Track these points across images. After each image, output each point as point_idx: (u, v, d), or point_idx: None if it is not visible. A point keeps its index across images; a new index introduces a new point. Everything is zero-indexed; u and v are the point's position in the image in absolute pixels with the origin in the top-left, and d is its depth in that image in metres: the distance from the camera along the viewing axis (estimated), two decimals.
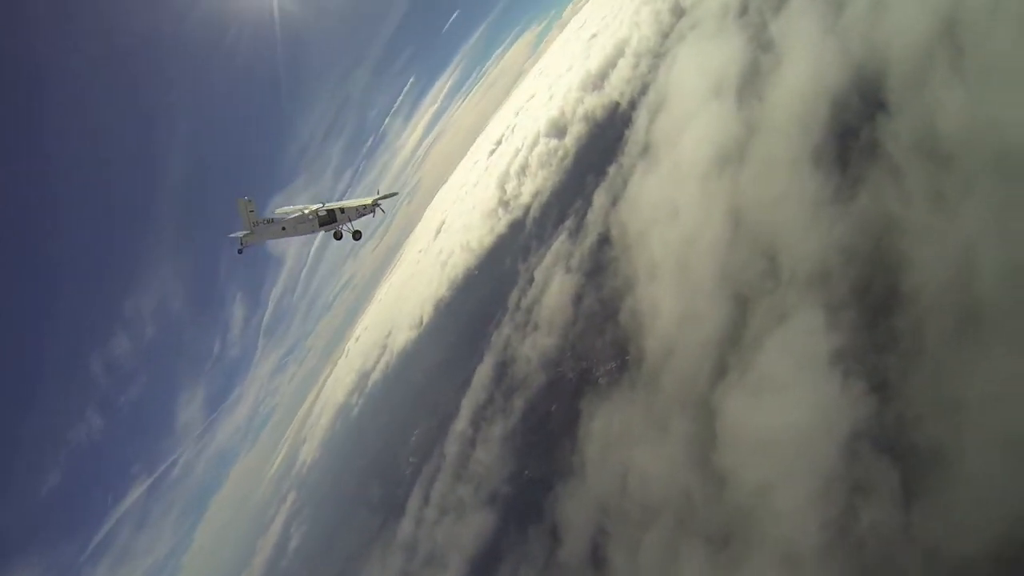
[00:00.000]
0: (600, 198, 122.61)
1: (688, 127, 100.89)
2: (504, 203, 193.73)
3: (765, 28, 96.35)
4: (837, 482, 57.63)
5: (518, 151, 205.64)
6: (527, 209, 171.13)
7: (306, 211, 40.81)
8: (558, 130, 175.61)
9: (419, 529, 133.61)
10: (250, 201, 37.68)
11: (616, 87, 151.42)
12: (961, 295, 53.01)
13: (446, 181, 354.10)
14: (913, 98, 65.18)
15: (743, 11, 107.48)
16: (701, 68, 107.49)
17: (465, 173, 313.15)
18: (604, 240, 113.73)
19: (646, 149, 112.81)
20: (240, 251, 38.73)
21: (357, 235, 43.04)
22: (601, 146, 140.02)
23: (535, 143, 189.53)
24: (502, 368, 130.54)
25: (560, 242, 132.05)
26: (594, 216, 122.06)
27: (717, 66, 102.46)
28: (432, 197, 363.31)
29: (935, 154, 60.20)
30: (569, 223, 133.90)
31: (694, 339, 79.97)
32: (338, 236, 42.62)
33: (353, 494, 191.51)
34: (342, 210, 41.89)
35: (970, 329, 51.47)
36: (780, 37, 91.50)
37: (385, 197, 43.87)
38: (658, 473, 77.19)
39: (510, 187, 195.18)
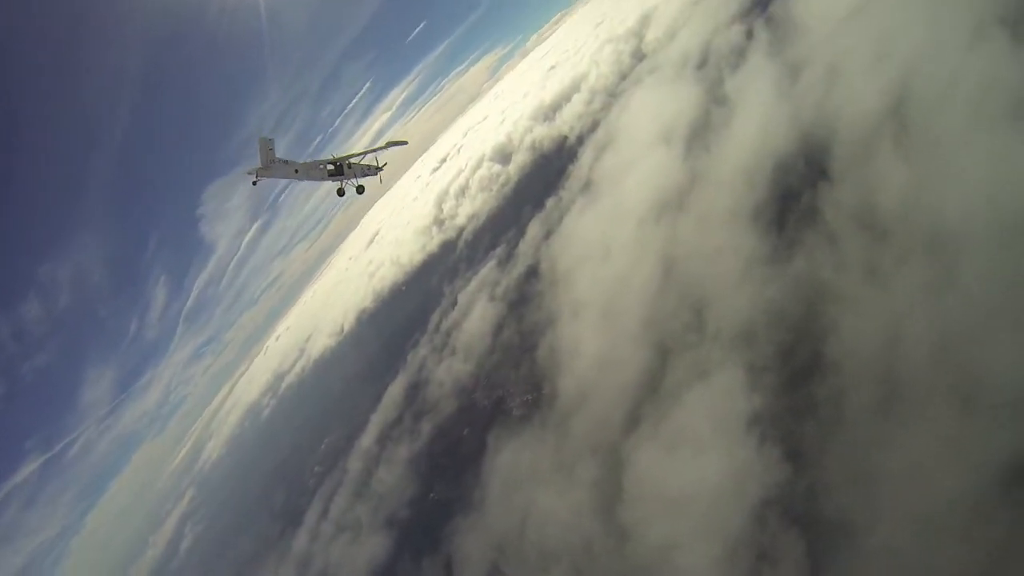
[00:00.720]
0: (534, 229, 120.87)
1: (632, 169, 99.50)
2: (439, 222, 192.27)
3: (721, 83, 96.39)
4: (743, 548, 55.57)
5: (461, 171, 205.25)
6: (461, 231, 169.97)
7: (319, 160, 42.87)
8: (503, 156, 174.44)
9: (314, 544, 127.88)
10: (270, 140, 39.00)
11: (567, 120, 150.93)
12: (885, 369, 51.95)
13: (388, 191, 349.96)
14: (856, 170, 64.86)
15: (702, 63, 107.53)
16: (653, 113, 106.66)
17: (407, 186, 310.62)
18: (532, 272, 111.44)
19: (587, 186, 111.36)
20: (254, 183, 39.86)
21: (360, 189, 45.19)
22: (543, 177, 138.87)
23: (479, 166, 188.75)
24: (415, 389, 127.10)
25: (488, 268, 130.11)
26: (526, 247, 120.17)
27: (669, 113, 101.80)
28: (371, 206, 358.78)
29: (872, 227, 59.77)
30: (500, 251, 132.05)
31: (611, 384, 77.48)
32: (341, 192, 44.72)
33: (255, 498, 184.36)
34: (350, 165, 43.98)
35: (890, 405, 50.51)
36: (735, 93, 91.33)
37: (395, 144, 44.59)
38: (560, 518, 74.23)
39: (447, 207, 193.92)
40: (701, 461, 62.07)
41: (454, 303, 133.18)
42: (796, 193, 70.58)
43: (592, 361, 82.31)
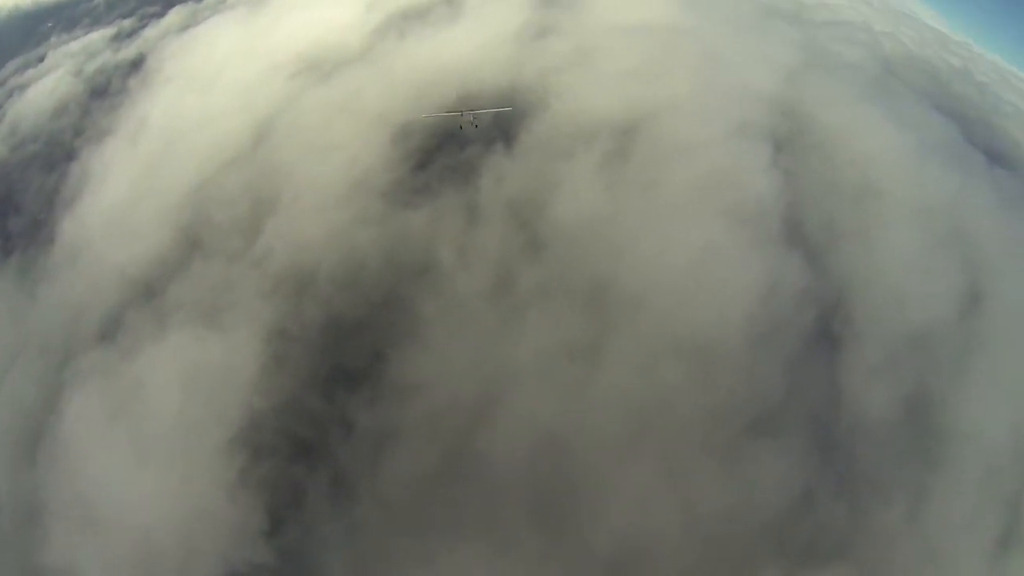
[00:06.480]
0: (176, 17, 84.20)
1: (314, 10, 69.84)
2: None
3: None
4: None
5: None
6: None
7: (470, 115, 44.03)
8: None
9: None
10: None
11: None
12: (463, 431, 34.02)
13: None
14: (544, 159, 47.15)
15: None
16: None
17: None
18: (139, 63, 76.15)
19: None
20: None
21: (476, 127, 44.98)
22: None
23: None
24: None
25: (100, 35, 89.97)
26: (154, 32, 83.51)
27: None
28: None
29: (528, 232, 42.04)
30: (129, 23, 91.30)
31: (113, 257, 47.86)
32: (460, 127, 45.00)
33: None
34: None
35: (446, 489, 33.24)
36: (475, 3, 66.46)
37: (499, 109, 45.46)
38: None
39: None
40: (149, 456, 36.24)
41: (41, 59, 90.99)
42: (461, 141, 49.54)
43: (111, 208, 52.29)
